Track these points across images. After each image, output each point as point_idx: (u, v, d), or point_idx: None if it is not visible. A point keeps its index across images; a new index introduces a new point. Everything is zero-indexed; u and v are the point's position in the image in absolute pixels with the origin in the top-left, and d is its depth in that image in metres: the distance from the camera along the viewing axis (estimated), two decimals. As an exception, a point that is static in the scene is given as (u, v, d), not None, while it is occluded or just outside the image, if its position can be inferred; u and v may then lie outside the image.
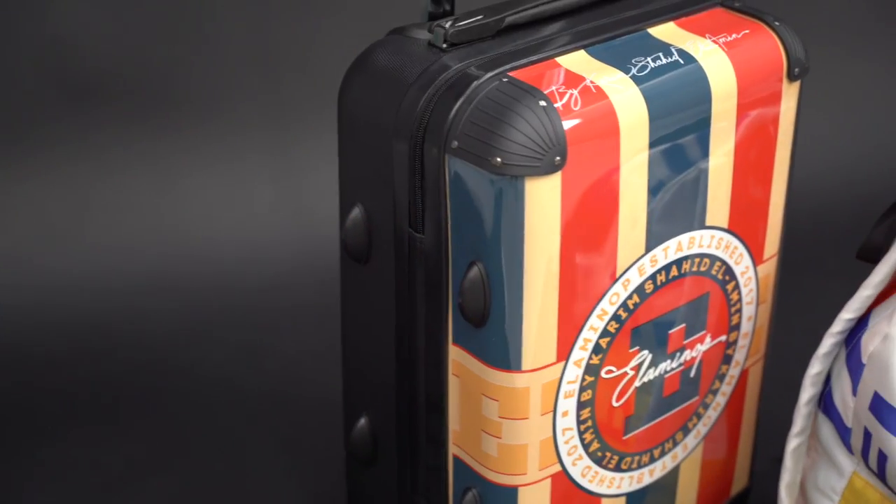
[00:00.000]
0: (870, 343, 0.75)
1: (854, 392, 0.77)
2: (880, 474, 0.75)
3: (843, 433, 0.79)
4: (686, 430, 0.82)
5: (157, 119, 1.28)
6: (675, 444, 0.82)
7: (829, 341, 0.79)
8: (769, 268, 0.82)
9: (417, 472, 0.78)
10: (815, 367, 0.80)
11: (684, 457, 0.83)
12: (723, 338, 0.81)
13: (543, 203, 0.65)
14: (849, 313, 0.78)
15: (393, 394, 0.77)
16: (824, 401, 0.82)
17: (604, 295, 0.71)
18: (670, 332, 0.77)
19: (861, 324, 0.79)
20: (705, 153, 0.73)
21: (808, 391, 0.81)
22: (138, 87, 1.27)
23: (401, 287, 0.73)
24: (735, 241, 0.78)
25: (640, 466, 0.80)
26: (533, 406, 0.71)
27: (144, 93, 1.27)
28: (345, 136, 0.73)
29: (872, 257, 0.79)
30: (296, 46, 1.29)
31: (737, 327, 0.82)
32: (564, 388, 0.72)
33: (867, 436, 0.76)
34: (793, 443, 0.82)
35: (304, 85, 1.30)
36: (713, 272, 0.77)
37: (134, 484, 0.99)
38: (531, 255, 0.67)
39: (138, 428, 1.06)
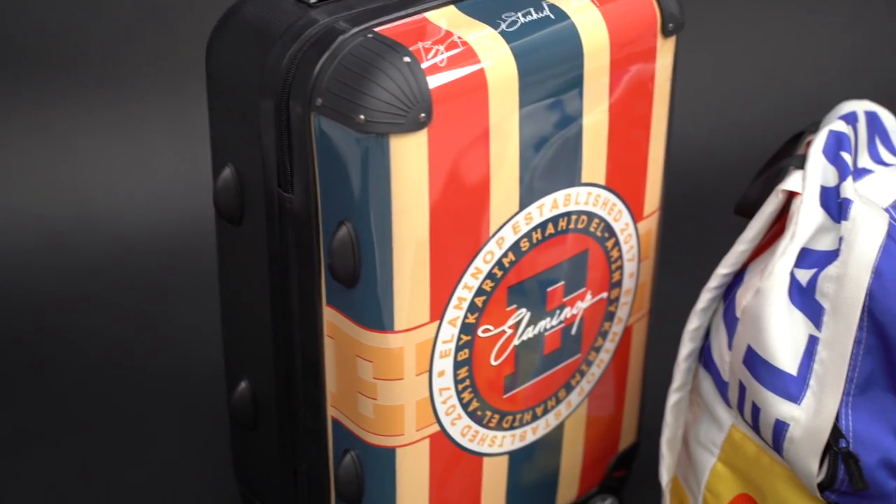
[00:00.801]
0: (743, 298, 0.76)
1: (730, 346, 0.78)
2: (755, 427, 0.76)
3: (721, 387, 0.79)
4: (569, 388, 0.82)
5: (54, 85, 1.25)
6: (559, 401, 0.82)
7: (706, 296, 0.79)
8: (650, 224, 0.82)
9: (297, 435, 0.77)
10: (693, 323, 0.80)
11: (568, 414, 0.83)
12: (604, 295, 0.81)
13: (410, 161, 0.65)
14: (724, 268, 0.78)
15: (270, 357, 0.76)
16: (704, 355, 0.82)
17: (477, 253, 0.71)
18: (549, 289, 0.77)
19: (737, 279, 0.79)
20: (579, 110, 0.72)
21: (686, 346, 0.81)
22: (34, 52, 1.24)
23: (273, 248, 0.71)
24: (613, 198, 0.78)
25: (522, 424, 0.80)
26: (407, 366, 0.71)
27: (40, 58, 1.24)
28: (213, 94, 0.71)
29: (749, 212, 0.79)
30: (193, 10, 1.27)
31: (618, 284, 0.82)
32: (440, 347, 0.72)
33: (742, 389, 0.76)
34: (673, 398, 0.83)
35: (202, 49, 1.28)
36: (591, 229, 0.77)
37: (22, 453, 0.97)
38: (400, 215, 0.66)
39: (27, 396, 1.03)
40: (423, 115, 0.63)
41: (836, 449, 0.72)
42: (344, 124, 0.64)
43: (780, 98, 1.42)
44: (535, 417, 0.81)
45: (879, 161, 0.82)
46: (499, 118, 0.68)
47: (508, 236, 0.72)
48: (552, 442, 0.83)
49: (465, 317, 0.72)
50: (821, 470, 0.74)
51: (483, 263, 0.71)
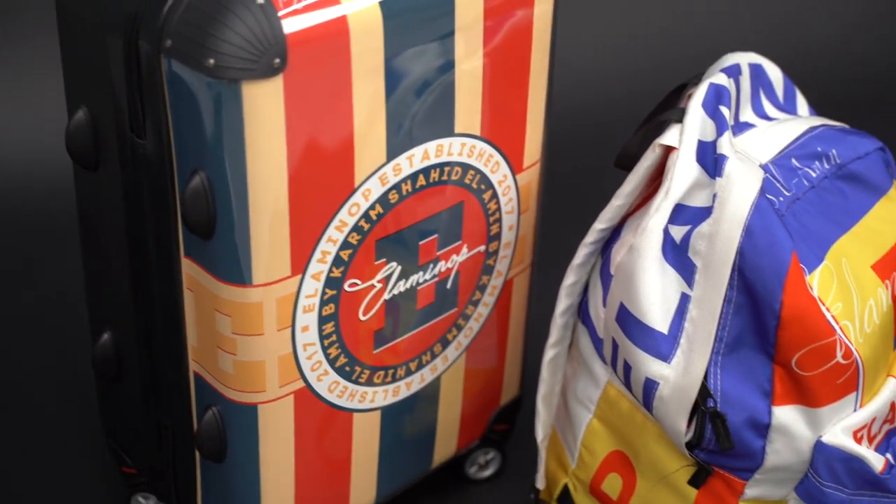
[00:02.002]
0: (617, 254, 0.74)
1: (604, 303, 0.76)
2: (626, 384, 0.75)
3: (597, 343, 0.78)
4: (446, 342, 0.81)
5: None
6: (434, 356, 0.80)
7: (582, 251, 0.78)
8: (530, 176, 0.80)
9: (160, 389, 0.75)
10: (570, 278, 0.79)
11: (445, 368, 0.82)
12: (481, 248, 0.79)
13: (265, 109, 0.62)
14: (601, 223, 0.76)
15: (131, 308, 0.73)
16: (582, 311, 0.81)
17: (341, 206, 0.68)
18: (421, 243, 0.74)
19: (616, 234, 0.78)
20: (452, 58, 0.70)
21: (563, 302, 0.80)
22: None
23: (129, 196, 0.68)
24: (490, 149, 0.76)
25: (395, 380, 0.78)
26: (268, 321, 0.68)
27: None
28: (63, 31, 0.67)
29: (629, 166, 0.77)
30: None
31: (497, 237, 0.80)
32: (303, 302, 0.69)
33: (615, 346, 0.75)
34: (549, 354, 0.81)
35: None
36: (467, 181, 0.75)
37: None
38: (255, 164, 0.63)
39: None
40: (277, 60, 0.60)
41: (703, 408, 0.71)
42: (193, 69, 0.61)
43: (668, 49, 1.40)
44: (409, 372, 0.79)
45: (763, 115, 0.80)
46: (363, 65, 0.65)
47: (375, 188, 0.69)
48: (428, 397, 0.82)
49: (330, 271, 0.70)
50: (689, 429, 0.73)
51: (348, 216, 0.69)
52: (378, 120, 0.67)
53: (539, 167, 0.81)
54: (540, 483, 0.85)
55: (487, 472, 0.94)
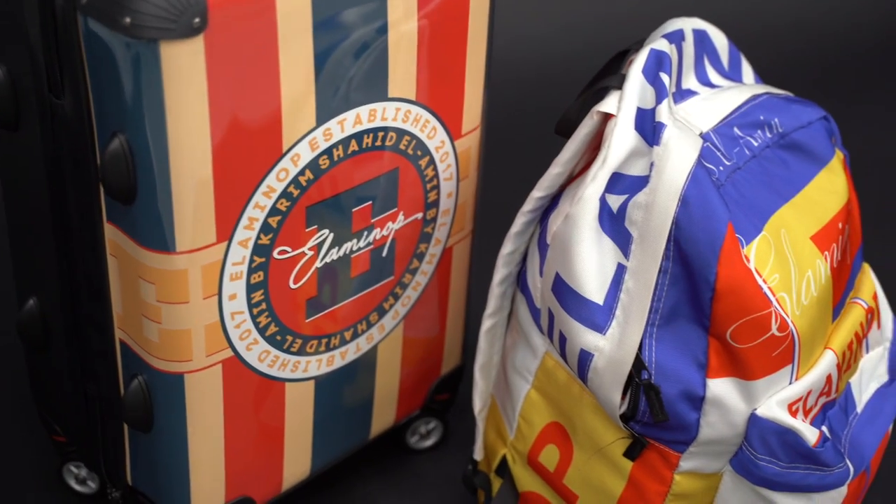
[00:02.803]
0: (554, 223, 0.73)
1: (541, 272, 0.75)
2: (562, 355, 0.74)
3: (535, 314, 0.77)
4: (382, 311, 0.79)
5: None
6: (370, 325, 0.79)
7: (520, 220, 0.76)
8: (470, 142, 0.78)
9: (87, 357, 0.73)
10: (508, 247, 0.78)
11: (382, 338, 0.80)
12: (419, 215, 0.78)
13: (185, 70, 0.60)
14: (539, 191, 0.75)
15: (55, 275, 0.71)
16: (521, 280, 0.80)
17: (269, 171, 0.66)
18: (354, 210, 0.73)
19: (554, 203, 0.76)
20: (385, 20, 0.68)
21: (500, 271, 0.78)
22: None
23: (49, 159, 0.66)
24: (426, 115, 0.74)
25: (329, 349, 0.77)
26: (193, 289, 0.67)
27: None
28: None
29: (569, 133, 0.76)
30: None
31: (435, 204, 0.78)
32: (229, 269, 0.68)
33: (551, 317, 0.74)
34: (486, 323, 0.80)
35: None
36: (402, 147, 0.74)
37: None
38: (176, 127, 0.61)
39: None
40: (197, 20, 0.58)
41: (637, 380, 0.70)
42: (110, 27, 0.58)
43: (613, 13, 1.39)
44: (343, 342, 0.78)
45: (707, 82, 0.79)
46: (289, 27, 0.63)
47: (305, 153, 0.68)
48: (364, 366, 0.81)
49: (258, 238, 0.68)
50: (624, 401, 0.72)
51: (276, 182, 0.67)
52: (307, 83, 0.65)
53: (479, 133, 0.79)
54: (478, 454, 0.84)
55: (429, 442, 0.93)
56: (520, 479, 0.82)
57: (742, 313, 0.68)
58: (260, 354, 0.73)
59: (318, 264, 0.72)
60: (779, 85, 1.39)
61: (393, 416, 0.86)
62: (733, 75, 0.82)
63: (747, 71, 0.83)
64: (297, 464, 0.80)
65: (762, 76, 1.40)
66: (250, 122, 0.64)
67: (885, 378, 0.81)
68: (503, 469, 0.83)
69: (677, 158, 0.68)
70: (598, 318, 0.71)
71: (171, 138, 0.61)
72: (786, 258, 0.71)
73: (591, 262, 0.70)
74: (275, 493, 0.80)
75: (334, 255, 0.73)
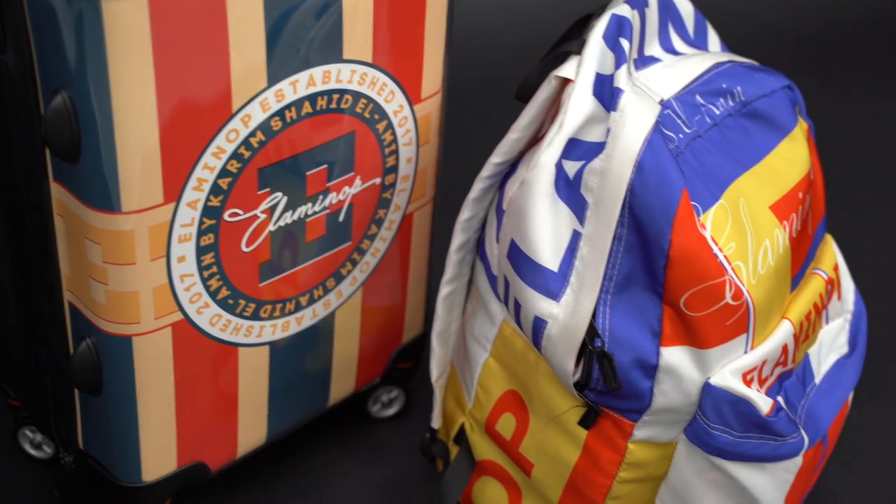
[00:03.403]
0: (510, 189, 0.72)
1: (497, 239, 0.74)
2: (518, 322, 0.73)
3: (492, 281, 0.76)
4: (340, 277, 0.79)
5: None
6: (327, 291, 0.78)
7: (478, 186, 0.76)
8: (430, 107, 0.77)
9: (36, 319, 0.72)
10: (466, 213, 0.77)
11: (339, 304, 0.80)
12: (377, 180, 0.77)
13: (128, 26, 0.59)
14: (497, 157, 0.74)
15: (2, 236, 0.70)
16: (480, 247, 0.79)
17: (218, 132, 0.65)
18: (309, 173, 0.72)
19: (513, 169, 0.76)
20: (338, -21, 0.67)
21: (457, 237, 0.77)
22: None
23: (-5, 117, 0.65)
24: (384, 78, 0.73)
25: (284, 314, 0.76)
26: (140, 250, 0.66)
27: None
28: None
29: (528, 98, 0.75)
30: None
31: (394, 170, 0.78)
32: (178, 231, 0.67)
33: (507, 284, 0.73)
34: (444, 290, 0.79)
35: None
36: (358, 110, 0.73)
37: None
38: (120, 85, 0.60)
39: None
40: (139, -25, 0.57)
41: (591, 348, 0.69)
42: (51, -19, 0.58)
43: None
44: (299, 307, 0.77)
45: (670, 49, 0.78)
46: (239, -17, 0.62)
47: (256, 114, 0.67)
48: (321, 332, 0.80)
49: (208, 199, 0.67)
50: (577, 369, 0.71)
51: (226, 143, 0.66)
52: (256, 42, 0.64)
53: (440, 98, 0.78)
54: (436, 422, 0.84)
55: (391, 411, 0.93)
56: (477, 447, 0.81)
57: (696, 281, 0.68)
58: (211, 318, 0.72)
59: (271, 228, 0.72)
60: (755, 56, 1.38)
61: (352, 384, 0.85)
62: (698, 43, 0.81)
63: (713, 39, 0.82)
64: (252, 430, 0.80)
65: (739, 47, 1.39)
66: (197, 82, 0.63)
67: (844, 349, 0.81)
68: (461, 437, 0.83)
69: (633, 124, 0.67)
70: (552, 285, 0.70)
71: (114, 96, 0.60)
72: (743, 227, 0.71)
73: (545, 229, 0.70)
74: (229, 460, 0.79)
75: (288, 218, 0.72)
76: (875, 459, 0.91)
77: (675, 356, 0.70)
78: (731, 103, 0.75)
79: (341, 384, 0.84)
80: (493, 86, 1.25)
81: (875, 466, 0.91)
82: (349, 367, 0.84)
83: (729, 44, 1.40)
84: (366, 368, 0.86)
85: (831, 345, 0.80)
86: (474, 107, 1.21)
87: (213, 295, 0.71)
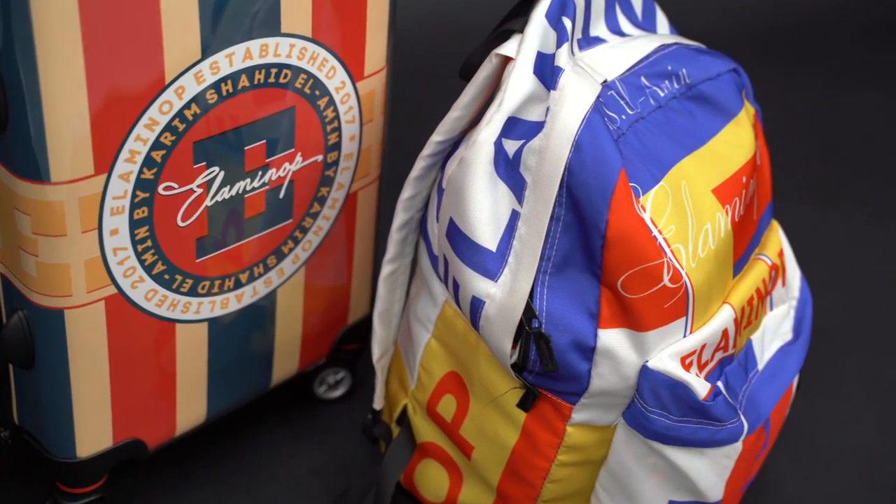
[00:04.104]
0: (450, 167, 0.72)
1: (437, 218, 0.74)
2: (456, 302, 0.73)
3: (434, 261, 0.76)
4: (281, 255, 0.78)
5: None
6: (268, 268, 0.78)
7: (420, 164, 0.75)
8: (373, 84, 0.77)
9: (-31, 292, 0.72)
10: (407, 192, 0.76)
11: (281, 282, 0.79)
12: (318, 157, 0.76)
13: (54, -8, 0.58)
14: (438, 135, 0.74)
15: (-64, 206, 0.70)
16: (423, 227, 0.78)
17: (150, 103, 0.65)
18: (247, 148, 0.71)
19: (455, 148, 0.75)
20: (276, -49, 0.66)
21: (399, 216, 0.77)
22: None
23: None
24: (324, 53, 0.72)
25: (223, 291, 0.75)
26: (70, 222, 0.65)
27: None
28: None
29: (471, 76, 0.74)
30: None
31: (336, 147, 0.77)
32: (110, 203, 0.66)
33: (446, 263, 0.73)
34: (385, 269, 0.79)
35: None
36: (298, 85, 0.72)
37: None
38: (46, 53, 0.59)
39: None
40: (65, -61, 0.57)
41: (528, 329, 0.69)
42: (-25, -55, 0.57)
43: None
44: (238, 284, 0.76)
45: (616, 31, 0.78)
46: (171, -48, 0.61)
47: (190, 86, 0.66)
48: (262, 311, 0.79)
49: (141, 172, 0.66)
50: (515, 350, 0.71)
51: (159, 114, 0.65)
52: (189, 13, 0.63)
53: (384, 76, 0.77)
54: (377, 403, 0.83)
55: (337, 393, 0.92)
56: (419, 429, 0.81)
57: (633, 263, 0.67)
58: (147, 293, 0.71)
59: (208, 203, 0.71)
60: (720, 45, 1.38)
61: (296, 365, 0.85)
62: (646, 25, 0.81)
63: (661, 21, 0.82)
64: (191, 408, 0.79)
65: (704, 36, 1.38)
66: (128, 52, 0.62)
67: (788, 336, 0.80)
68: (403, 419, 0.82)
69: (572, 103, 0.67)
70: (490, 264, 0.69)
71: (41, 63, 0.59)
72: (684, 210, 0.70)
73: (483, 208, 0.69)
74: (168, 437, 0.79)
75: (226, 193, 0.71)
76: (823, 449, 0.91)
77: (612, 338, 0.69)
78: (675, 86, 0.75)
79: (284, 364, 0.84)
80: (443, 63, 1.24)
81: (822, 456, 0.91)
82: (292, 346, 0.83)
83: (694, 32, 1.40)
84: (310, 349, 0.85)
85: (775, 331, 0.80)
86: (422, 85, 1.20)
87: (147, 269, 0.70)
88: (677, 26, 1.40)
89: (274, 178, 0.74)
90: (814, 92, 1.34)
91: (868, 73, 1.38)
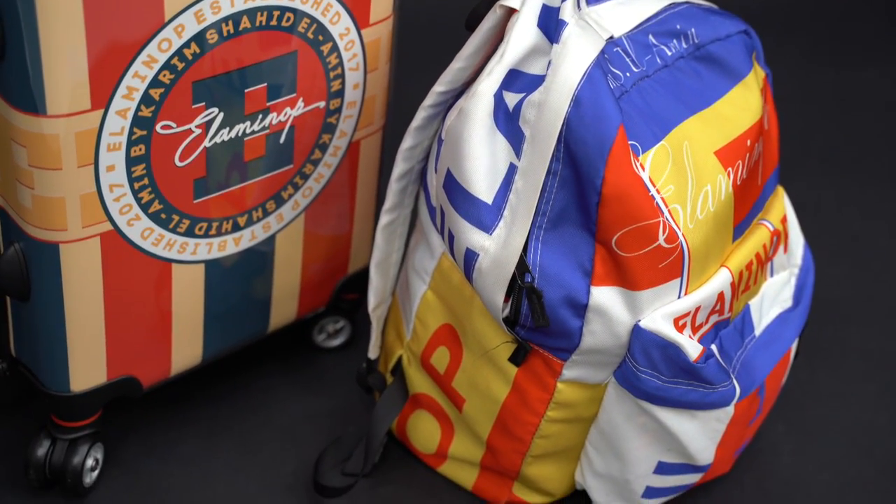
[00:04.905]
0: (450, 118, 0.71)
1: (436, 169, 0.73)
2: (451, 254, 0.73)
3: (432, 212, 0.75)
4: (280, 200, 0.78)
5: None
6: (267, 213, 0.78)
7: (421, 115, 0.74)
8: (379, 32, 0.76)
9: (-32, 223, 0.72)
10: (407, 142, 0.76)
11: (280, 227, 0.79)
12: (320, 104, 0.76)
13: (53, -78, 0.58)
14: (440, 86, 0.73)
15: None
16: (423, 178, 0.78)
17: (149, 40, 0.64)
18: (247, 90, 0.71)
19: (457, 98, 0.74)
20: None
21: (399, 166, 0.76)
22: None
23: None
24: (329, -2, 0.72)
25: (220, 233, 0.76)
26: (66, 156, 0.65)
27: None
28: None
29: (476, 27, 0.74)
30: None
31: (339, 94, 0.76)
32: (106, 139, 0.66)
33: (443, 214, 0.72)
34: (384, 219, 0.78)
35: None
36: (301, 30, 0.71)
37: None
38: (45, -16, 0.59)
39: None
40: None
41: (520, 283, 0.69)
42: None
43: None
44: (237, 227, 0.76)
45: (628, -13, 0.76)
46: None
47: (190, 25, 0.66)
48: (260, 256, 0.79)
49: (139, 109, 0.66)
50: (507, 304, 0.71)
51: (158, 52, 0.65)
52: (192, -50, 0.63)
53: (390, 24, 0.77)
54: (372, 352, 0.83)
55: (337, 342, 0.92)
56: (413, 380, 0.81)
57: (628, 220, 0.66)
58: (143, 231, 0.71)
59: (206, 143, 0.71)
60: (750, 13, 1.35)
61: (294, 311, 0.85)
62: (659, -17, 0.79)
63: (675, -21, 0.81)
64: (186, 349, 0.79)
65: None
66: (127, -14, 0.62)
67: (788, 303, 0.80)
68: (398, 370, 0.82)
69: (574, 57, 0.66)
70: (485, 217, 0.69)
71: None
72: (684, 170, 0.69)
73: (481, 160, 0.69)
74: (162, 377, 0.79)
75: (225, 135, 0.71)
76: (820, 419, 0.91)
77: (605, 296, 0.69)
78: (684, 45, 0.74)
79: (282, 310, 0.84)
80: (454, 14, 1.22)
81: (819, 426, 0.90)
82: (291, 293, 0.83)
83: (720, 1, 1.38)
84: (308, 296, 0.85)
85: (775, 298, 0.79)
86: (432, 35, 1.19)
87: (144, 208, 0.70)
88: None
89: (275, 122, 0.74)
90: (833, 65, 1.32)
91: (892, 46, 1.36)
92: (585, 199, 0.66)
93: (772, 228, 0.76)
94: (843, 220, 1.11)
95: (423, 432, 0.81)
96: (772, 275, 0.79)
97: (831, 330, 0.99)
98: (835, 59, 1.33)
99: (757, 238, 0.75)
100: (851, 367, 0.96)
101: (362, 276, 0.88)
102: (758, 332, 0.77)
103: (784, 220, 0.78)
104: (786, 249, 0.79)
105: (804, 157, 1.19)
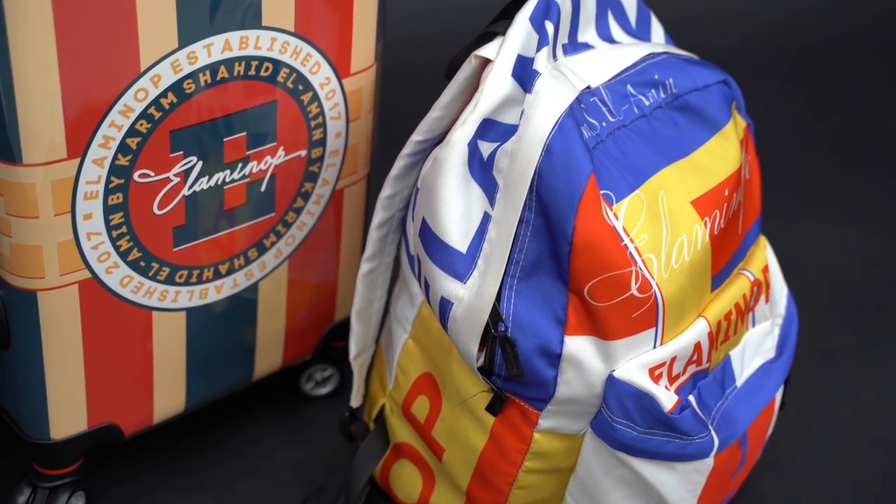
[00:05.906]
0: (425, 167, 0.72)
1: (412, 217, 0.74)
2: (428, 302, 0.73)
3: (411, 261, 0.76)
4: (262, 248, 0.78)
5: None
6: (249, 261, 0.78)
7: (399, 164, 0.75)
8: (361, 82, 0.77)
9: (-49, 269, 0.73)
10: (386, 190, 0.76)
11: (263, 275, 0.79)
12: (302, 153, 0.76)
13: (26, -24, 0.59)
14: (418, 135, 0.74)
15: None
16: (403, 227, 0.78)
17: (126, 89, 0.65)
18: (226, 139, 0.72)
19: (434, 147, 0.75)
20: (258, -55, 0.67)
21: (378, 214, 0.77)
22: None
23: None
24: (308, 48, 0.72)
25: (202, 281, 0.76)
26: (43, 204, 0.66)
27: None
28: None
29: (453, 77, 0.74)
30: None
31: (321, 143, 0.77)
32: (83, 188, 0.67)
33: (419, 263, 0.73)
34: (364, 267, 0.79)
35: None
36: (280, 79, 0.72)
37: None
38: (17, 33, 0.60)
39: None
40: (37, -76, 0.57)
41: (494, 332, 0.68)
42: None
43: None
44: (218, 275, 0.77)
45: (607, 37, 0.77)
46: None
47: (167, 75, 0.66)
48: (243, 303, 0.80)
49: (115, 157, 0.67)
50: (482, 353, 0.70)
51: (134, 101, 0.66)
52: (166, 2, 0.64)
53: (373, 73, 0.77)
54: (354, 401, 0.83)
55: (325, 390, 0.92)
56: (395, 429, 0.81)
57: (600, 270, 0.66)
58: (122, 279, 0.72)
59: (185, 192, 0.71)
60: (749, 60, 1.36)
61: (279, 359, 0.85)
62: (640, 33, 0.80)
63: (657, 30, 0.81)
64: (169, 396, 0.79)
65: (738, 49, 1.35)
66: (102, 37, 0.63)
67: (771, 354, 0.79)
68: (381, 418, 0.82)
69: (546, 107, 0.66)
70: (459, 266, 0.69)
71: (12, 44, 0.60)
72: (659, 219, 0.69)
73: (455, 209, 0.69)
74: (144, 424, 0.79)
75: (204, 184, 0.72)
76: (811, 471, 0.89)
77: (578, 346, 0.68)
78: (662, 95, 0.74)
79: (267, 358, 0.84)
80: (439, 63, 1.23)
81: (809, 478, 0.89)
82: (275, 341, 0.84)
83: (728, 46, 1.39)
84: (294, 344, 0.85)
85: (757, 348, 0.78)
86: (418, 84, 1.20)
87: (122, 255, 0.71)
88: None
89: (255, 170, 0.74)
90: (837, 109, 1.32)
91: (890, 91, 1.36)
92: (557, 248, 0.66)
93: (752, 278, 0.76)
94: (839, 269, 1.10)
95: (405, 482, 0.81)
96: (753, 325, 0.78)
97: (824, 378, 0.98)
98: (834, 102, 1.33)
99: (737, 288, 0.74)
100: (844, 417, 0.94)
101: (349, 324, 0.88)
102: (739, 382, 0.76)
103: (765, 270, 0.78)
104: (767, 299, 0.79)
105: (801, 205, 1.18)
